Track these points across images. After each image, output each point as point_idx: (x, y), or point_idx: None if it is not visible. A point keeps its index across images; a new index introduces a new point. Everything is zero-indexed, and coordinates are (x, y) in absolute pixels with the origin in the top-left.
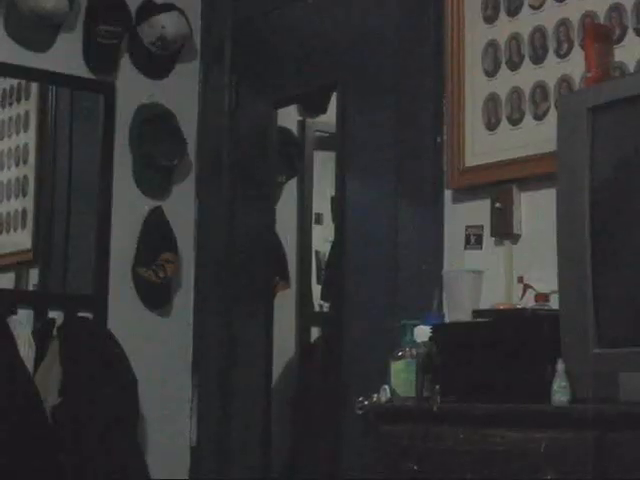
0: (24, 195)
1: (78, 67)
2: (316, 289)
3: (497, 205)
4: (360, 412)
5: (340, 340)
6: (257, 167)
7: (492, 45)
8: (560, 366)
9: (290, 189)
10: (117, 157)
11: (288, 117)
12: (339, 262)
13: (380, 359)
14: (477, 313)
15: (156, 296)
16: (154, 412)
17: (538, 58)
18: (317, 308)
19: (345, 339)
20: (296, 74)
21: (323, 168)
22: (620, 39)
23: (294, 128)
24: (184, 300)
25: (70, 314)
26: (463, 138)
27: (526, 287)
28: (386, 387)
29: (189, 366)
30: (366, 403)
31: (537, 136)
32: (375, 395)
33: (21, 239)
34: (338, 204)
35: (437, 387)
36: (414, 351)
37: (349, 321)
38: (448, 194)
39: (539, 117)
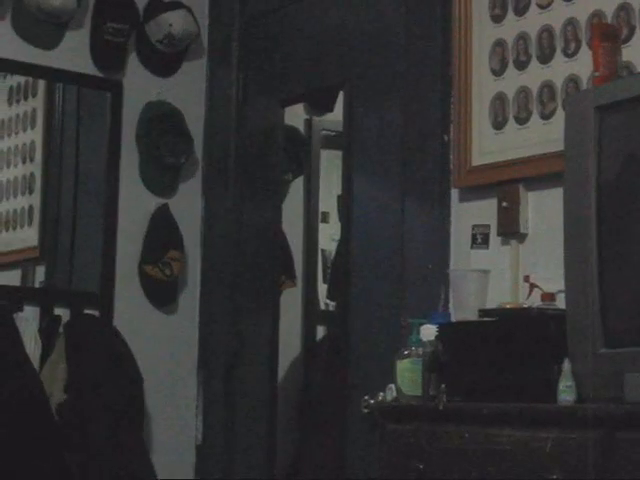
0: (31, 192)
1: (85, 65)
2: (322, 288)
3: (504, 204)
4: (366, 411)
5: (346, 339)
6: (264, 165)
7: (499, 44)
8: (566, 366)
9: (297, 187)
10: (124, 155)
11: (295, 116)
12: (345, 261)
13: (386, 358)
14: (483, 312)
15: (162, 294)
16: (160, 410)
17: (545, 57)
18: (323, 307)
19: (351, 338)
20: (303, 73)
21: (330, 166)
22: (628, 39)
23: (301, 127)
24: (190, 298)
25: (76, 311)
26: (470, 137)
27: (532, 286)
28: (392, 386)
29: (195, 364)
30: (372, 402)
31: (544, 135)
32: (381, 394)
33: (28, 236)
34: (344, 203)
35: (443, 386)
36: (420, 350)
37: (355, 320)
38: (455, 193)
39: (546, 116)
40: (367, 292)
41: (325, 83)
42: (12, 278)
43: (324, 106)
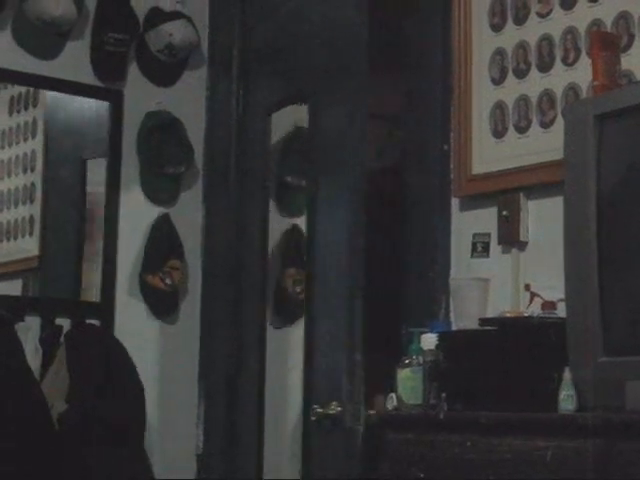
0: (31, 202)
1: (86, 74)
2: None
3: (504, 213)
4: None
5: None
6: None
7: (499, 53)
8: (567, 374)
9: None
10: (124, 164)
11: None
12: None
13: (387, 367)
14: (484, 321)
15: (163, 303)
16: (161, 420)
17: (545, 66)
18: None
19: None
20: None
21: None
22: (627, 47)
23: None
24: (191, 307)
25: (77, 321)
26: (470, 146)
27: (533, 295)
28: (393, 395)
29: (196, 373)
30: (372, 412)
31: (544, 144)
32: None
33: (28, 246)
34: None
35: (443, 395)
36: (421, 359)
37: None
38: (455, 202)
39: (546, 125)
40: (368, 301)
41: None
42: (13, 288)
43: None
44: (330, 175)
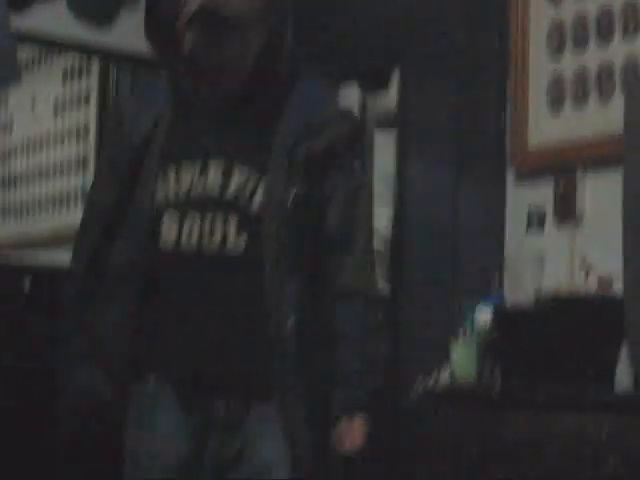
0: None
1: (142, 42)
2: None
3: (560, 186)
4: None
5: (398, 322)
6: None
7: (557, 26)
8: (623, 352)
9: None
10: None
11: (349, 96)
12: (398, 243)
13: (440, 341)
14: (539, 298)
15: None
16: None
17: (604, 38)
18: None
19: (403, 321)
20: (357, 50)
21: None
22: None
23: (355, 107)
24: None
25: None
26: (526, 118)
27: (589, 269)
28: (445, 370)
29: None
30: (422, 388)
31: (602, 117)
32: (434, 378)
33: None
34: (398, 185)
35: (497, 370)
36: (475, 333)
37: (407, 303)
38: (511, 174)
39: (604, 98)
40: (421, 275)
41: (379, 61)
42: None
43: (378, 85)
44: None
